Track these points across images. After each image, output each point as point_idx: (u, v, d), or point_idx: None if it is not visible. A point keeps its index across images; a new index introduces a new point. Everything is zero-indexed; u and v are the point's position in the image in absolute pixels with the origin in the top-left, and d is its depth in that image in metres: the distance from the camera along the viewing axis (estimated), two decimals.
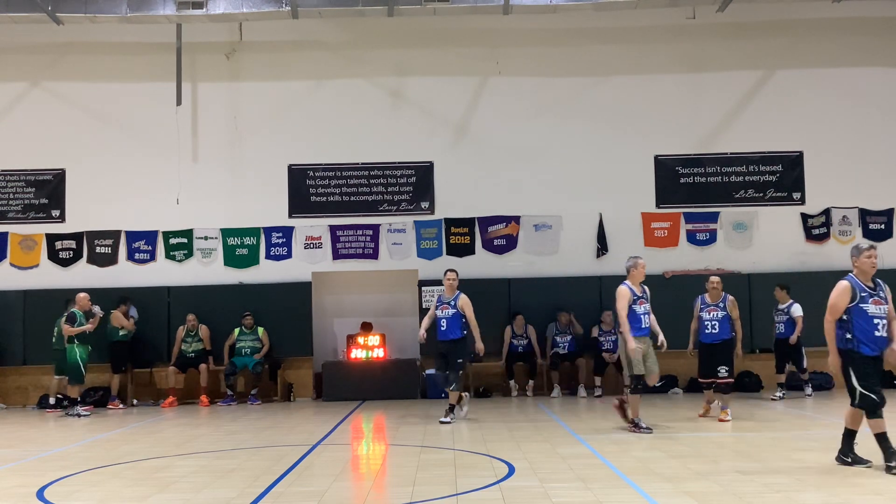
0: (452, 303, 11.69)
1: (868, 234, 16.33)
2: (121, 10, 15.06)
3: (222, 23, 16.02)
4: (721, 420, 11.17)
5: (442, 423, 11.49)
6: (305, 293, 16.03)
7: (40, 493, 7.36)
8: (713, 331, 11.61)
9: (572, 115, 16.55)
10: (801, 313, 13.87)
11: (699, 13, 16.38)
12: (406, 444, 9.97)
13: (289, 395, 15.70)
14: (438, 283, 15.97)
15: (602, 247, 16.24)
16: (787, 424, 11.28)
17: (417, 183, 16.49)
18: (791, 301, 14.16)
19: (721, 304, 11.68)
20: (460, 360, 11.77)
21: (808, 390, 14.37)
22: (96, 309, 14.31)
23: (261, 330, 15.55)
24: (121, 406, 14.94)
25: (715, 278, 11.98)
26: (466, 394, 12.33)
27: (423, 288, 16.05)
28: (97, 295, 15.59)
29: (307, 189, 16.49)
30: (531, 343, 15.66)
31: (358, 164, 16.53)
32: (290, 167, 16.52)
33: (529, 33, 16.49)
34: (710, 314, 11.64)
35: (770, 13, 16.36)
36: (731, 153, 16.53)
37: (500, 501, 6.66)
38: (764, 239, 16.31)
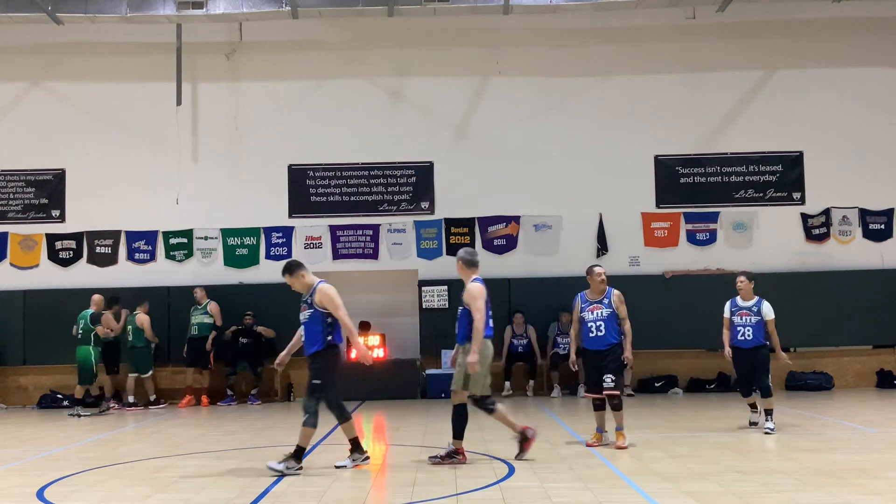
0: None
1: (868, 234, 16.34)
2: (121, 10, 15.06)
3: (222, 23, 16.02)
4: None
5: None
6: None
7: (40, 493, 7.36)
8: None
9: (572, 115, 16.55)
10: (773, 315, 10.66)
11: (699, 13, 16.38)
12: (406, 444, 9.96)
13: (289, 395, 15.70)
14: (438, 282, 16.07)
15: (602, 247, 16.23)
16: (787, 424, 11.26)
17: (417, 183, 16.49)
18: (759, 297, 10.73)
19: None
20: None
21: (770, 424, 10.22)
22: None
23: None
24: (116, 406, 14.90)
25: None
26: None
27: (423, 288, 16.05)
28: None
29: (307, 189, 16.49)
30: (531, 343, 15.66)
31: (358, 164, 16.53)
32: (290, 167, 16.51)
33: (529, 33, 16.49)
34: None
35: (770, 13, 16.36)
36: (731, 153, 16.53)
37: (500, 501, 6.66)
38: (764, 239, 16.31)
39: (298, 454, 8.09)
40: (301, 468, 8.05)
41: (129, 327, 15.17)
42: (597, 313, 9.34)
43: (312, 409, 8.08)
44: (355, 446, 8.35)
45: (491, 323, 8.57)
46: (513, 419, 8.68)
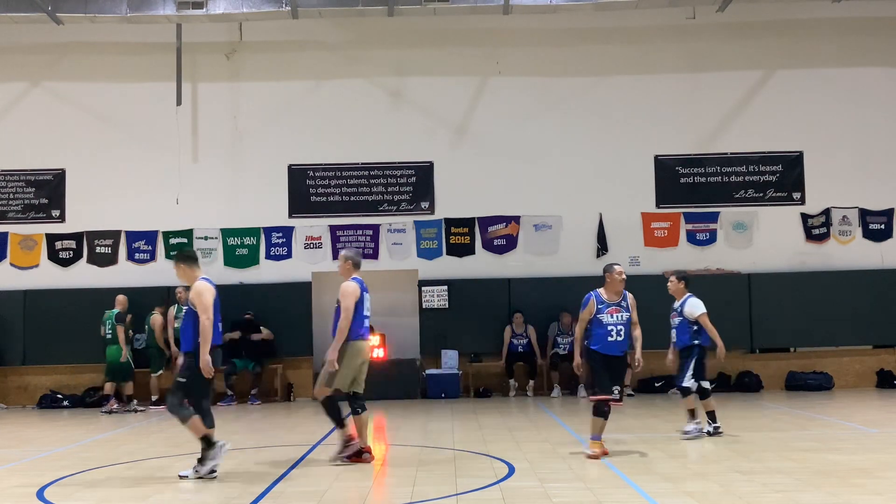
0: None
1: (868, 234, 16.34)
2: (121, 10, 15.06)
3: (222, 23, 16.02)
4: None
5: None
6: (305, 293, 16.01)
7: (40, 493, 7.36)
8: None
9: (572, 115, 16.55)
10: (704, 310, 10.02)
11: (699, 13, 16.37)
12: (406, 444, 9.97)
13: (289, 395, 15.70)
14: (438, 283, 16.08)
15: (602, 247, 16.23)
16: (787, 424, 11.27)
17: (417, 183, 16.49)
18: (688, 295, 10.19)
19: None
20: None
21: (689, 426, 9.82)
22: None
23: None
24: (115, 406, 14.90)
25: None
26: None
27: (423, 288, 16.05)
28: (97, 295, 15.65)
29: (307, 189, 16.49)
30: (531, 343, 15.66)
31: (358, 164, 16.53)
32: (290, 167, 16.51)
33: (529, 33, 16.49)
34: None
35: (770, 13, 16.36)
36: (731, 153, 16.53)
37: (500, 501, 6.67)
38: (764, 239, 16.31)
39: (208, 442, 7.83)
40: (223, 445, 7.89)
41: (145, 327, 15.21)
42: (617, 316, 8.73)
43: (176, 406, 7.82)
44: (206, 441, 7.91)
45: (367, 323, 8.73)
46: (364, 431, 8.64)
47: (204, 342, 7.75)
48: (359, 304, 8.61)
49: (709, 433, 9.90)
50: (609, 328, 8.69)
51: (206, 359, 7.71)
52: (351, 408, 8.59)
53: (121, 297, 14.82)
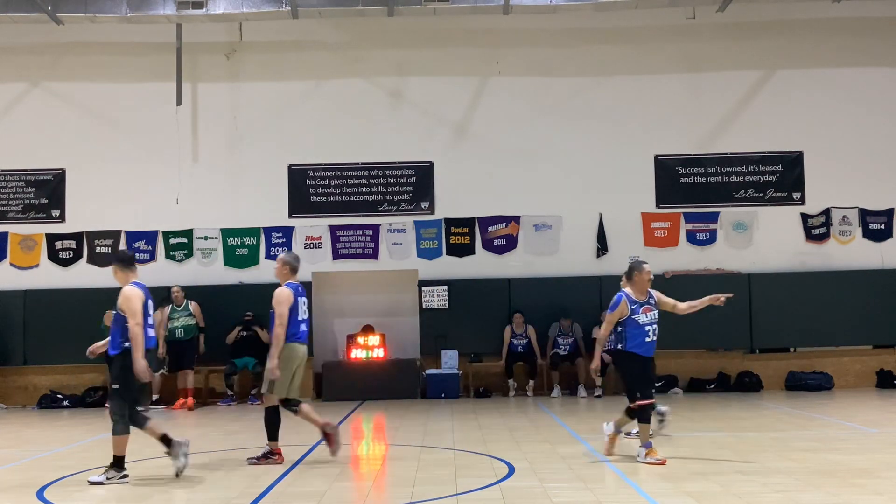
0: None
1: (868, 234, 16.34)
2: (121, 10, 15.06)
3: (222, 23, 16.02)
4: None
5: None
6: (305, 293, 15.98)
7: (40, 494, 7.37)
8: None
9: (572, 115, 16.54)
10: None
11: (699, 13, 16.37)
12: (406, 444, 9.97)
13: None
14: (438, 283, 16.08)
15: (602, 247, 16.23)
16: (787, 424, 11.28)
17: (417, 183, 16.49)
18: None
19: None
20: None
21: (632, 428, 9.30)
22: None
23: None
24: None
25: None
26: None
27: (423, 288, 16.05)
28: (97, 295, 15.62)
29: (307, 189, 16.49)
30: (531, 343, 15.66)
31: (358, 164, 16.53)
32: (290, 167, 16.51)
33: (529, 33, 16.49)
34: None
35: (770, 13, 16.35)
36: (731, 153, 16.53)
37: (500, 501, 6.67)
38: (764, 239, 16.31)
39: (118, 463, 7.81)
40: (126, 475, 7.80)
41: None
42: (650, 315, 8.48)
43: (118, 414, 7.81)
44: (117, 462, 7.84)
45: (303, 327, 8.78)
46: (315, 416, 8.77)
47: (136, 347, 7.70)
48: (294, 309, 8.66)
49: (630, 433, 9.83)
50: (646, 328, 8.42)
51: (140, 363, 7.67)
52: (290, 409, 8.72)
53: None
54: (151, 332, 8.03)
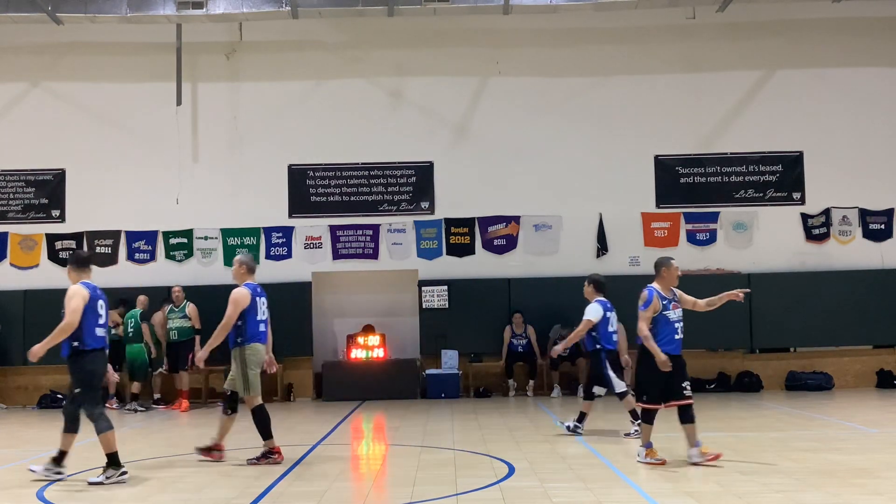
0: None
1: (868, 234, 16.35)
2: (121, 10, 15.06)
3: (222, 23, 16.02)
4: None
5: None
6: (305, 293, 16.03)
7: (40, 493, 7.37)
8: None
9: (572, 115, 16.54)
10: (591, 317, 10.09)
11: (699, 13, 16.37)
12: (406, 444, 9.97)
13: (289, 395, 15.70)
14: (438, 283, 16.08)
15: (602, 247, 16.24)
16: (787, 424, 11.28)
17: (417, 183, 16.49)
18: (596, 299, 10.31)
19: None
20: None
21: (569, 423, 10.26)
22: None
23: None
24: (116, 405, 14.91)
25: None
26: None
27: (423, 288, 16.05)
28: None
29: (307, 189, 16.49)
30: (531, 343, 15.66)
31: (358, 164, 16.53)
32: (290, 167, 16.52)
33: (529, 33, 16.49)
34: None
35: (770, 13, 16.36)
36: (731, 153, 16.53)
37: (500, 501, 6.67)
38: (764, 239, 16.31)
39: (113, 460, 7.79)
40: (124, 472, 7.80)
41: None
42: (678, 312, 8.30)
43: (95, 414, 7.82)
44: (112, 460, 7.80)
45: (262, 328, 8.79)
46: (225, 433, 8.86)
47: (53, 337, 7.73)
48: (252, 309, 8.68)
49: (569, 428, 10.11)
50: (675, 325, 8.23)
51: (35, 351, 7.76)
52: (223, 405, 8.84)
53: (142, 298, 15.02)
54: (102, 332, 8.06)
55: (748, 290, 8.70)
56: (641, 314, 8.26)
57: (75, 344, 7.80)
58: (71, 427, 7.95)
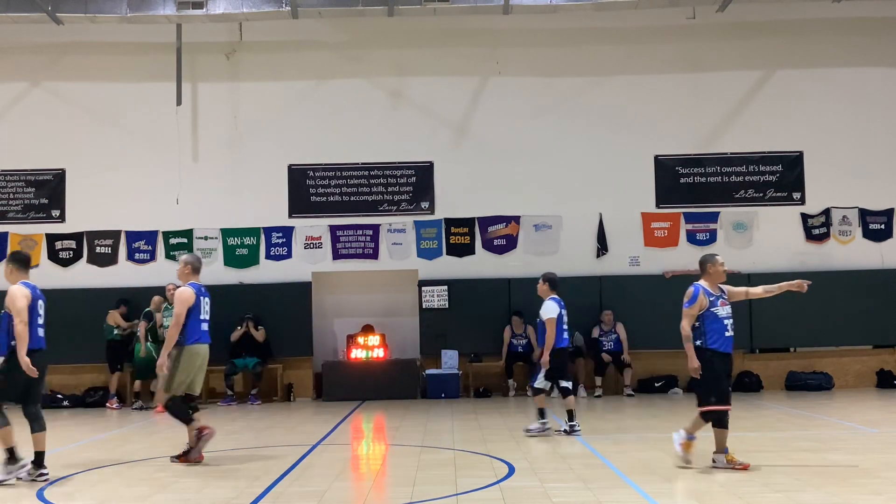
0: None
1: (868, 234, 16.34)
2: (121, 10, 15.06)
3: (222, 23, 16.01)
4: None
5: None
6: (305, 293, 16.03)
7: (40, 494, 7.37)
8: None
9: (572, 115, 16.54)
10: (553, 314, 10.28)
11: (699, 13, 16.37)
12: (406, 444, 9.97)
13: (289, 395, 15.70)
14: (438, 283, 16.08)
15: (602, 247, 16.23)
16: (787, 424, 11.28)
17: (417, 183, 16.49)
18: (551, 297, 10.56)
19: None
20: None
21: (534, 425, 10.34)
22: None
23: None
24: (116, 405, 14.92)
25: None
26: None
27: (423, 288, 16.05)
28: (97, 295, 15.67)
29: (307, 189, 16.49)
30: (531, 343, 15.66)
31: (358, 164, 16.53)
32: (290, 167, 16.51)
33: (529, 33, 16.49)
34: None
35: (770, 13, 16.35)
36: (731, 153, 16.53)
37: (500, 501, 6.67)
38: (764, 239, 16.31)
39: (11, 455, 7.91)
40: (44, 473, 7.93)
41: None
42: (727, 309, 8.04)
43: None
44: (11, 456, 7.91)
45: (205, 327, 8.92)
46: (195, 427, 8.82)
47: (21, 345, 7.77)
48: (195, 309, 8.83)
49: (565, 431, 10.17)
50: (725, 322, 7.96)
51: (24, 360, 7.74)
52: (188, 406, 8.89)
53: (156, 298, 14.99)
54: (41, 332, 8.10)
55: (810, 281, 8.35)
56: (685, 311, 8.05)
57: (13, 343, 7.84)
58: (35, 426, 8.03)
